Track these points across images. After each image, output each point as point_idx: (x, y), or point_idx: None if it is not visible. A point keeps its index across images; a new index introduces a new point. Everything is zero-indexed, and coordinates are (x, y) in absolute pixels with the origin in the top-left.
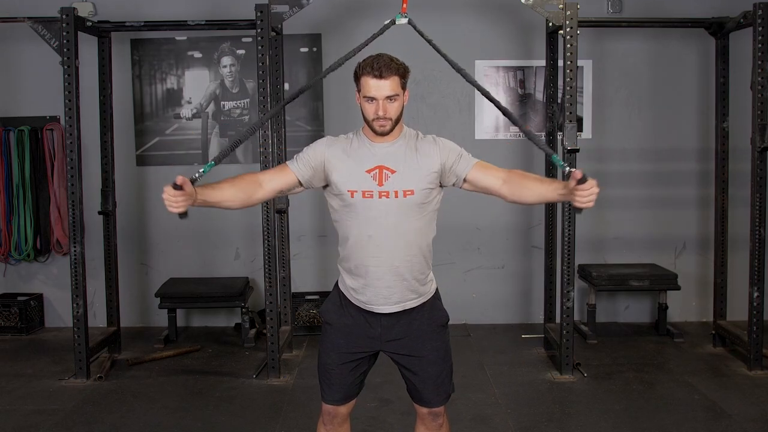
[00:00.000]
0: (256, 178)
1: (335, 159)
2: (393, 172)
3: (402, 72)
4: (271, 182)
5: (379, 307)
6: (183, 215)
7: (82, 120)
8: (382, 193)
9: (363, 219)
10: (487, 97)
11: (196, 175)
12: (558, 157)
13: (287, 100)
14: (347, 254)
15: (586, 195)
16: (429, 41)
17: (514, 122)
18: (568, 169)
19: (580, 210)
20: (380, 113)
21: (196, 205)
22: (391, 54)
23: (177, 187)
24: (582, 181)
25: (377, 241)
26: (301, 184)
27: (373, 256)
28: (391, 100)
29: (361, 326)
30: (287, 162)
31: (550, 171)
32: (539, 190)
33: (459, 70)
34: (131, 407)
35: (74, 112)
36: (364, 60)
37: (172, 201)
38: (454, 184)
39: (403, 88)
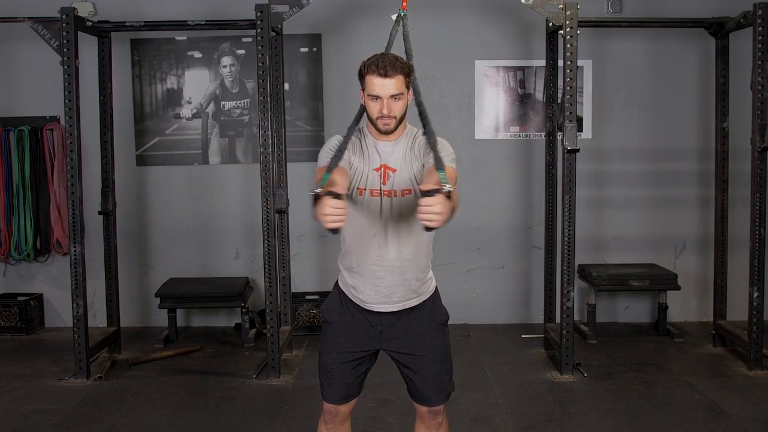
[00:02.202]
0: (341, 178)
1: (353, 156)
2: (394, 171)
3: (407, 71)
4: (343, 183)
5: (379, 306)
6: (338, 231)
7: (82, 120)
8: (385, 192)
9: (368, 217)
10: (417, 101)
11: (318, 189)
12: (443, 173)
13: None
14: (349, 252)
15: (424, 210)
16: (405, 36)
17: (424, 124)
18: (443, 180)
19: (427, 228)
20: (384, 111)
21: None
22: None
23: (338, 197)
24: (429, 194)
25: (379, 239)
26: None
27: (375, 254)
28: (395, 98)
29: (362, 325)
30: (323, 165)
31: (550, 171)
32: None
33: (411, 64)
34: (131, 407)
35: (74, 112)
36: (368, 59)
37: (338, 214)
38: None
39: (408, 87)
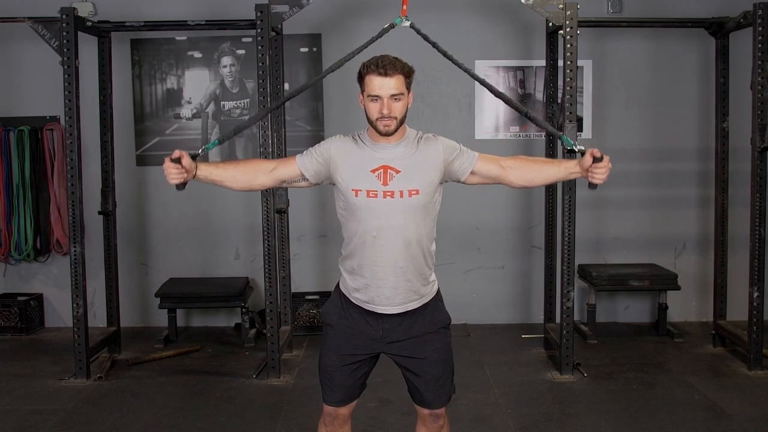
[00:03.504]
0: (261, 164)
1: (341, 157)
2: (398, 171)
3: (407, 72)
4: (276, 171)
5: (382, 308)
6: (180, 187)
7: (82, 120)
8: (387, 193)
9: (367, 219)
10: (492, 92)
11: (200, 151)
12: (567, 137)
13: (291, 94)
14: (350, 253)
15: (602, 171)
16: (434, 44)
17: (519, 110)
18: (579, 148)
19: (595, 186)
20: (385, 112)
21: (197, 180)
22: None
23: (175, 160)
24: (599, 159)
25: (381, 241)
26: (305, 178)
27: (377, 256)
28: (395, 98)
29: (363, 328)
30: (297, 155)
31: None
32: (548, 171)
33: (466, 70)
34: (131, 407)
35: (74, 112)
36: (368, 59)
37: (170, 172)
38: (458, 179)
39: (408, 88)
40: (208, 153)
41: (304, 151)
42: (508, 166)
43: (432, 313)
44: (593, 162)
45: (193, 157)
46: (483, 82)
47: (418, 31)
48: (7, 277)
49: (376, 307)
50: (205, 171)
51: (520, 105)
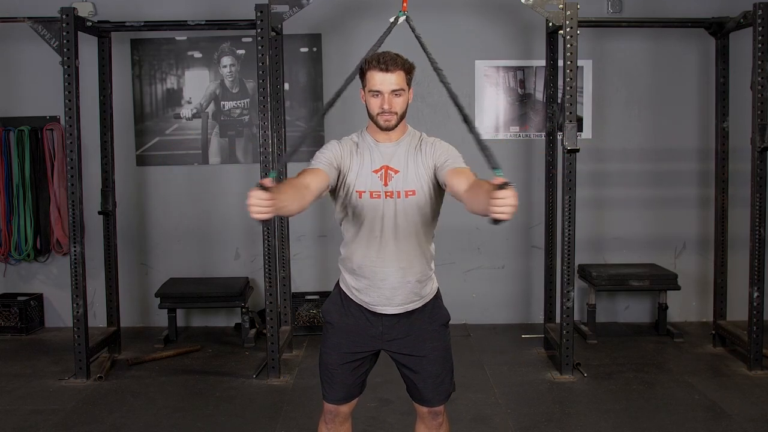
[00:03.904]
0: (302, 181)
1: (348, 159)
2: (396, 172)
3: (407, 68)
4: (314, 183)
5: (382, 308)
6: (267, 222)
7: (82, 120)
8: (388, 194)
9: (369, 219)
10: (454, 102)
11: (269, 177)
12: (501, 172)
13: (330, 103)
14: (351, 254)
15: (499, 203)
16: (419, 41)
17: (470, 129)
18: (500, 176)
19: (495, 222)
20: (385, 107)
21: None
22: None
23: (265, 188)
24: (502, 187)
25: (382, 241)
26: (329, 185)
27: (378, 256)
28: (396, 94)
29: (363, 325)
30: (311, 165)
31: (550, 171)
32: (482, 200)
33: (437, 70)
34: (131, 407)
35: (74, 112)
36: (369, 55)
37: (263, 206)
38: (443, 186)
39: (408, 84)
40: (208, 155)
41: (317, 161)
42: (468, 189)
43: (431, 311)
44: (496, 189)
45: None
46: (450, 91)
47: (410, 24)
48: (7, 277)
49: (376, 308)
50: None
51: (473, 126)
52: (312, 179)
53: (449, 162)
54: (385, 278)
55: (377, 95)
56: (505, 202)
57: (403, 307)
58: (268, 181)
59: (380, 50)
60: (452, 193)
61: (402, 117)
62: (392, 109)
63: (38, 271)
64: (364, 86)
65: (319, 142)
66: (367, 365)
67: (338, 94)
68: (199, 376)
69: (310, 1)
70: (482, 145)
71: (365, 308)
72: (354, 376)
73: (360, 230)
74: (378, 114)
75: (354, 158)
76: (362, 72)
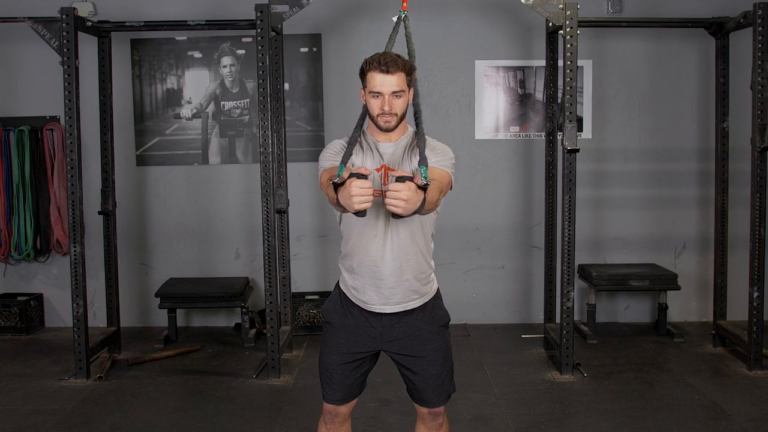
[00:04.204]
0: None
1: (354, 157)
2: (393, 171)
3: (408, 69)
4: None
5: (380, 307)
6: (364, 213)
7: (82, 120)
8: (387, 193)
9: (368, 218)
10: (415, 109)
11: (336, 178)
12: (425, 169)
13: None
14: (349, 253)
15: (391, 195)
16: (408, 40)
17: (417, 123)
18: (424, 177)
19: (397, 216)
20: (386, 108)
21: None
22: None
23: (364, 177)
24: (400, 180)
25: (380, 240)
26: None
27: (376, 255)
28: (396, 95)
29: (363, 326)
30: (326, 166)
31: (550, 171)
32: None
33: (412, 63)
34: (131, 407)
35: (74, 112)
36: (370, 56)
37: (365, 194)
38: None
39: (409, 85)
40: (208, 155)
41: (327, 161)
42: (428, 202)
43: (431, 312)
44: (395, 181)
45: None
46: (416, 106)
47: (405, 26)
48: (7, 277)
49: (375, 307)
50: None
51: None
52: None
53: (434, 161)
54: (384, 277)
55: (377, 96)
56: (396, 195)
57: (402, 305)
58: (365, 170)
59: (380, 50)
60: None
61: (402, 118)
62: (392, 111)
63: (38, 271)
64: (364, 87)
65: (319, 142)
66: (366, 365)
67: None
68: (199, 376)
69: (310, 1)
70: (420, 143)
71: (365, 309)
72: (354, 376)
73: (359, 229)
74: (378, 115)
75: (356, 158)
76: (363, 72)
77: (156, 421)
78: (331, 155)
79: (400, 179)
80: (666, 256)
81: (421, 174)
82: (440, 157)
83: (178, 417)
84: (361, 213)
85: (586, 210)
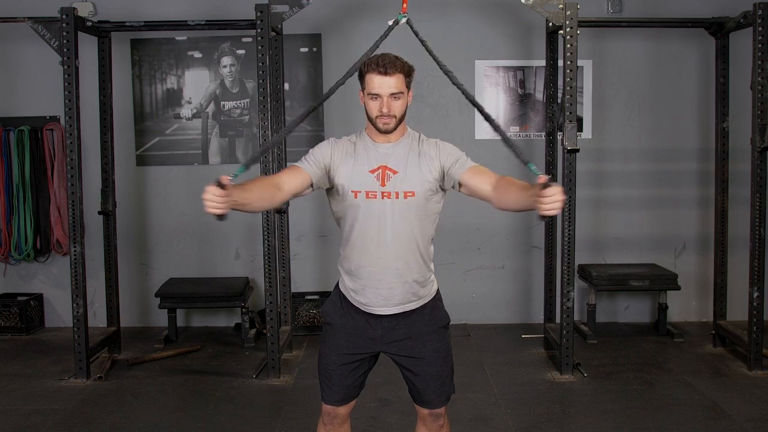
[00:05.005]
0: (275, 180)
1: (340, 159)
2: (395, 172)
3: (407, 71)
4: (289, 184)
5: (379, 309)
6: (222, 217)
7: (82, 120)
8: (385, 194)
9: (365, 219)
10: (471, 102)
11: (231, 176)
12: (534, 166)
13: (326, 95)
14: (348, 255)
15: (548, 201)
16: (423, 43)
17: (494, 128)
18: (540, 175)
19: (543, 218)
20: (384, 110)
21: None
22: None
23: (222, 186)
24: (546, 186)
25: (379, 242)
26: (311, 185)
27: (375, 257)
28: (395, 97)
29: (362, 327)
30: (296, 163)
31: (550, 171)
32: (519, 197)
33: (447, 73)
34: (131, 407)
35: (74, 112)
36: (369, 58)
37: (216, 201)
38: (453, 187)
39: (408, 87)
40: (208, 155)
41: (302, 160)
42: (495, 188)
43: (431, 313)
44: (541, 189)
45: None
46: (465, 92)
47: (412, 28)
48: (7, 277)
49: (374, 309)
50: (236, 196)
51: (497, 126)
52: (288, 180)
53: (461, 162)
54: (383, 278)
55: (376, 98)
56: (554, 200)
57: (402, 307)
58: (225, 179)
59: (380, 52)
60: (471, 193)
61: (401, 120)
62: (391, 113)
63: (38, 271)
64: (363, 88)
65: (319, 142)
66: (365, 366)
67: (328, 94)
68: (199, 376)
69: (310, 1)
70: (510, 143)
71: (364, 310)
72: (353, 377)
73: (357, 230)
74: (377, 117)
75: (348, 158)
76: (361, 74)
77: (156, 421)
78: (310, 157)
79: (546, 185)
80: (666, 256)
81: (534, 171)
82: (458, 156)
83: (178, 417)
84: (218, 217)
85: (586, 210)
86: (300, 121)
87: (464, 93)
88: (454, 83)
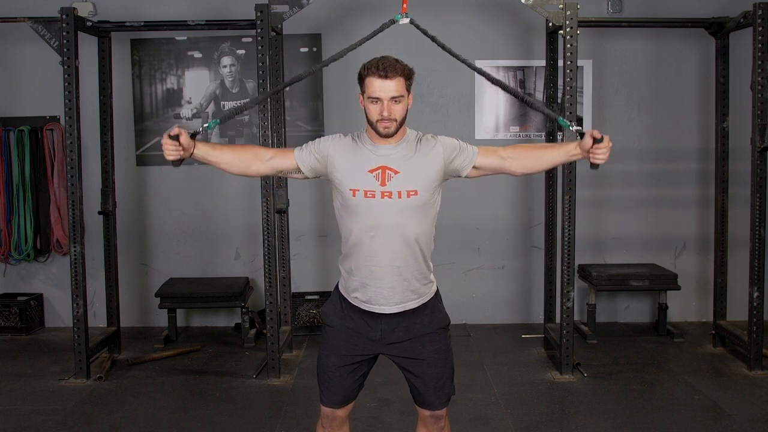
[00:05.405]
0: (259, 151)
1: (339, 156)
2: (396, 172)
3: (407, 74)
4: (273, 160)
5: (379, 307)
6: (176, 163)
7: (82, 120)
8: (385, 194)
9: (364, 218)
10: (491, 80)
11: (200, 129)
12: (564, 119)
13: (292, 80)
14: (348, 253)
15: (603, 151)
16: (432, 38)
17: (515, 95)
18: (576, 128)
19: (597, 166)
20: (385, 114)
21: (193, 159)
22: (390, 55)
23: (173, 137)
24: (599, 140)
25: (378, 240)
26: (300, 170)
27: (375, 255)
28: (395, 101)
29: (362, 329)
30: (296, 148)
31: (550, 171)
32: (549, 156)
33: (464, 61)
34: (131, 407)
35: (74, 112)
36: (369, 61)
37: (167, 148)
38: (458, 175)
39: (408, 90)
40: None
41: (303, 145)
42: (508, 156)
43: (431, 314)
44: (594, 143)
45: (192, 136)
46: (481, 71)
47: (417, 27)
48: (7, 277)
49: (373, 307)
50: (202, 150)
51: (517, 90)
52: (276, 156)
53: (465, 151)
54: (382, 277)
55: (376, 102)
56: (607, 148)
57: (401, 306)
58: (175, 130)
59: (380, 53)
60: (484, 173)
61: (402, 123)
62: (392, 116)
63: (38, 271)
64: (362, 92)
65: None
66: (365, 368)
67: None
68: (199, 376)
69: (310, 1)
70: (535, 104)
71: (364, 311)
72: (352, 379)
73: (356, 229)
74: (377, 121)
75: (348, 155)
76: (361, 78)
77: (156, 421)
78: (309, 144)
79: (598, 140)
80: (666, 256)
81: (565, 125)
82: (456, 146)
83: (178, 417)
84: (175, 163)
85: (586, 210)
86: (275, 93)
87: (485, 75)
88: (474, 69)
